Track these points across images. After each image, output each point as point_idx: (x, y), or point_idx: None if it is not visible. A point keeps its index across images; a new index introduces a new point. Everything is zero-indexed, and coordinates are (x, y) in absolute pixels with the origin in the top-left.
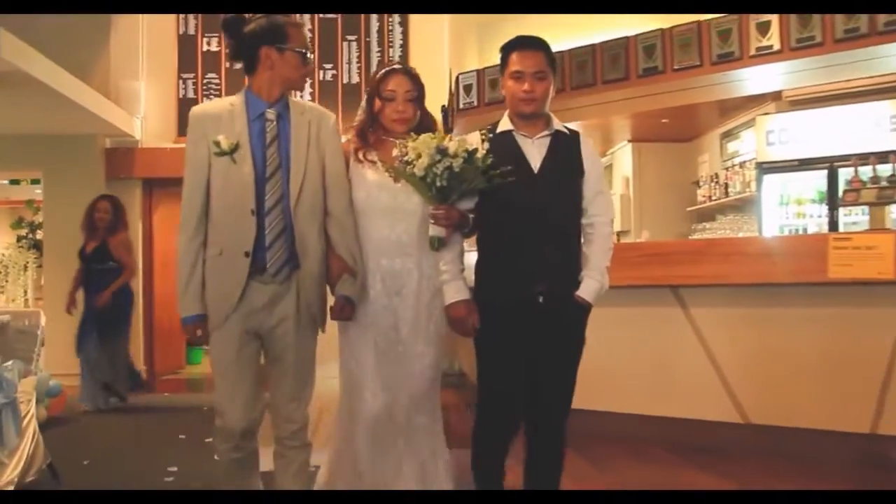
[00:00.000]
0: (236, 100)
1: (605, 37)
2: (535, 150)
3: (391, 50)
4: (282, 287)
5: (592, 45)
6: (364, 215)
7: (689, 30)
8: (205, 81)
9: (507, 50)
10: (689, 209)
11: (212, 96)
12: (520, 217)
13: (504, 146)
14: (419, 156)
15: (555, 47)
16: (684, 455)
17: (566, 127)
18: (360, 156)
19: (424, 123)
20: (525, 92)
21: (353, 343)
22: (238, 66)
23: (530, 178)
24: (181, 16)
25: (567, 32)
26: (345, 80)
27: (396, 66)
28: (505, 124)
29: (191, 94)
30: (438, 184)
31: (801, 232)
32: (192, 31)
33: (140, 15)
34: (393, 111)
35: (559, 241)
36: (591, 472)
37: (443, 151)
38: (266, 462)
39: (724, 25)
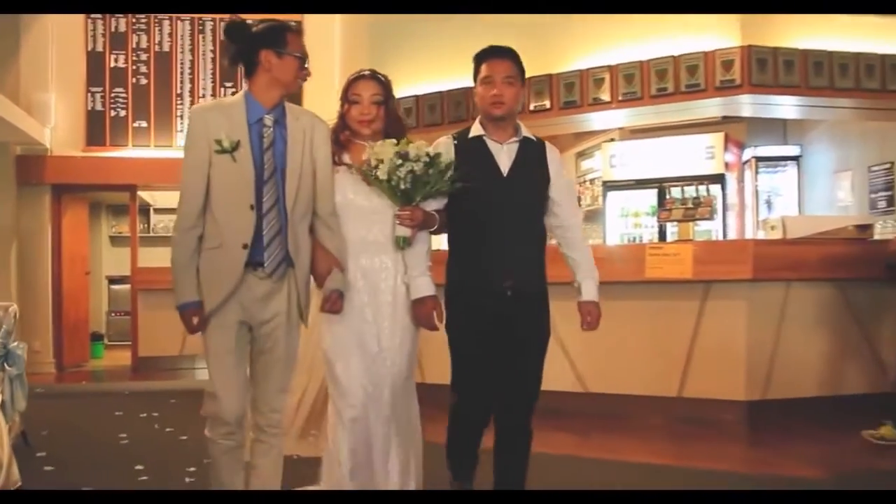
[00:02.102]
0: (237, 102)
1: None
2: (504, 156)
3: None
4: (277, 284)
5: (465, 88)
6: (341, 217)
7: (542, 80)
8: (112, 95)
9: (478, 59)
10: None
11: (119, 109)
12: (489, 218)
13: (475, 150)
14: (381, 160)
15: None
16: (541, 418)
17: (533, 136)
18: (335, 159)
19: (393, 127)
20: (494, 95)
21: (339, 342)
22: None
23: (499, 182)
24: (90, 32)
25: (450, 73)
26: None
27: (365, 72)
28: (476, 130)
29: (98, 107)
30: (402, 186)
31: (637, 240)
32: (100, 48)
33: (49, 30)
34: (358, 113)
35: (525, 240)
36: None
37: (404, 156)
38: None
39: (568, 79)
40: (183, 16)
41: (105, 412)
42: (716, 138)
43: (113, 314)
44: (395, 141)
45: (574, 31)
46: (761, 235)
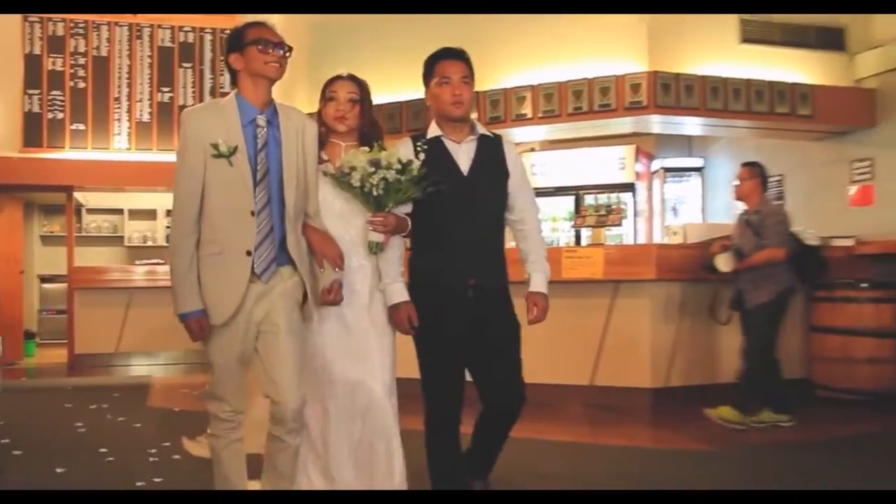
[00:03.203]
0: (228, 104)
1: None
2: (463, 155)
3: (222, 77)
4: (268, 284)
5: (400, 102)
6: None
7: None
8: (49, 98)
9: (432, 61)
10: None
11: (56, 112)
12: (452, 217)
13: (435, 151)
14: (354, 168)
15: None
16: (469, 406)
17: (489, 131)
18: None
19: (368, 128)
20: (454, 95)
21: (318, 342)
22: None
23: (461, 181)
24: (27, 36)
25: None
26: (181, 102)
27: (342, 73)
28: (434, 131)
29: (36, 109)
30: (375, 193)
31: (555, 244)
32: (37, 51)
33: None
34: (334, 110)
35: (487, 237)
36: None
37: (376, 163)
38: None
39: (494, 96)
40: (121, 21)
41: (54, 405)
42: (627, 150)
43: (44, 312)
44: (367, 149)
45: (499, 54)
46: (667, 240)
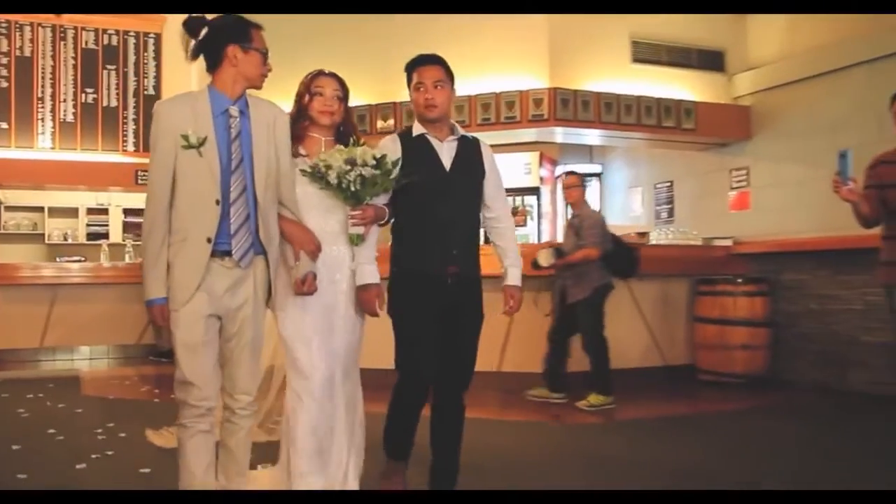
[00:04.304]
0: (200, 95)
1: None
2: (445, 152)
3: (146, 80)
4: (244, 271)
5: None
6: (300, 207)
7: (388, 107)
8: None
9: (410, 67)
10: None
11: None
12: (434, 210)
13: (420, 148)
14: (330, 166)
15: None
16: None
17: (468, 134)
18: (292, 150)
19: (346, 125)
20: (427, 99)
21: (299, 328)
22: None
23: (443, 176)
24: None
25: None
26: (104, 104)
27: (325, 71)
28: (418, 129)
29: None
30: (352, 189)
31: None
32: None
33: None
34: (321, 104)
35: (466, 229)
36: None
37: (352, 162)
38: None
39: (409, 107)
40: (44, 21)
41: None
42: (533, 156)
43: None
44: (341, 147)
45: None
46: None
